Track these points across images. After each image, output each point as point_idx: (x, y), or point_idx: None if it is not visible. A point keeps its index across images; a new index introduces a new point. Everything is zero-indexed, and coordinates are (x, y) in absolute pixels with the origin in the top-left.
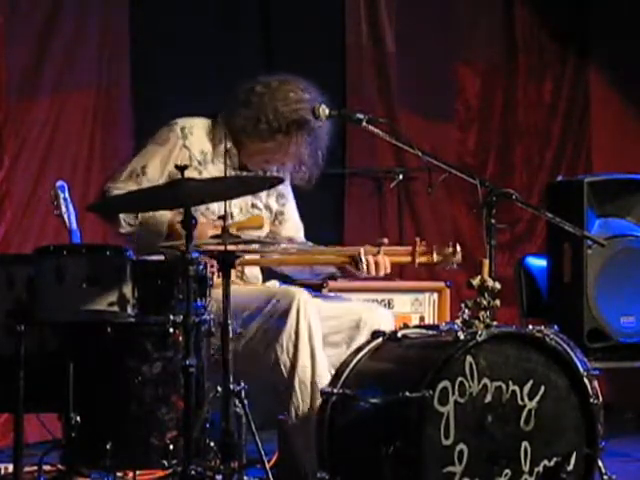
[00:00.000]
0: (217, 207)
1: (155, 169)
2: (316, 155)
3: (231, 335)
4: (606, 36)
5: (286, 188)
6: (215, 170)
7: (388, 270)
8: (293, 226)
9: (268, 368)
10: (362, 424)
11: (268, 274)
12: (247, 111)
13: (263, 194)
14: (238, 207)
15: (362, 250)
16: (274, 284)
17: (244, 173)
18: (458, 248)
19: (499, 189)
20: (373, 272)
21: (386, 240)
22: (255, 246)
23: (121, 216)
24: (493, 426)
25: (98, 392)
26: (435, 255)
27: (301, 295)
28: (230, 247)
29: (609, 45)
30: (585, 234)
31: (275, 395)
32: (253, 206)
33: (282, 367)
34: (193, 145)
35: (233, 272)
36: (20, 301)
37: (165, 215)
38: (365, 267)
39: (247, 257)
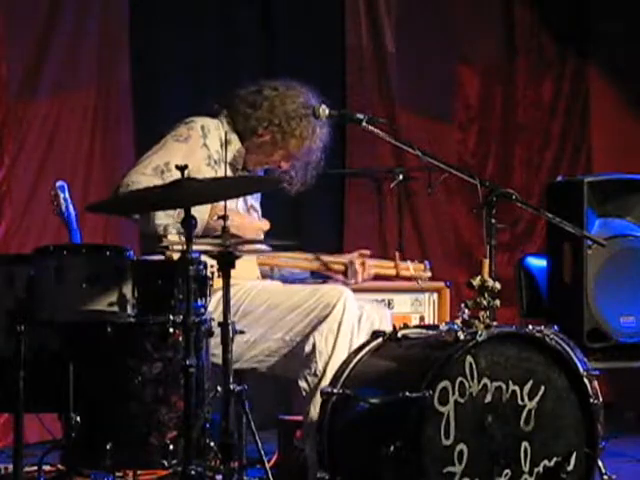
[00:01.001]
0: (235, 206)
1: None
2: (317, 160)
3: (231, 335)
4: (606, 36)
5: None
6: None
7: (372, 274)
8: None
9: (298, 361)
10: (362, 424)
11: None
12: (258, 113)
13: (253, 195)
14: (241, 207)
15: (355, 256)
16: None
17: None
18: (427, 265)
19: (499, 189)
20: (360, 278)
21: (368, 252)
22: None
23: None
24: (493, 426)
25: (98, 392)
26: (412, 269)
27: (348, 293)
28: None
29: (609, 45)
30: (585, 234)
31: (279, 392)
32: (251, 207)
33: (317, 355)
34: (211, 144)
35: (257, 270)
36: (20, 301)
37: (205, 210)
38: (357, 272)
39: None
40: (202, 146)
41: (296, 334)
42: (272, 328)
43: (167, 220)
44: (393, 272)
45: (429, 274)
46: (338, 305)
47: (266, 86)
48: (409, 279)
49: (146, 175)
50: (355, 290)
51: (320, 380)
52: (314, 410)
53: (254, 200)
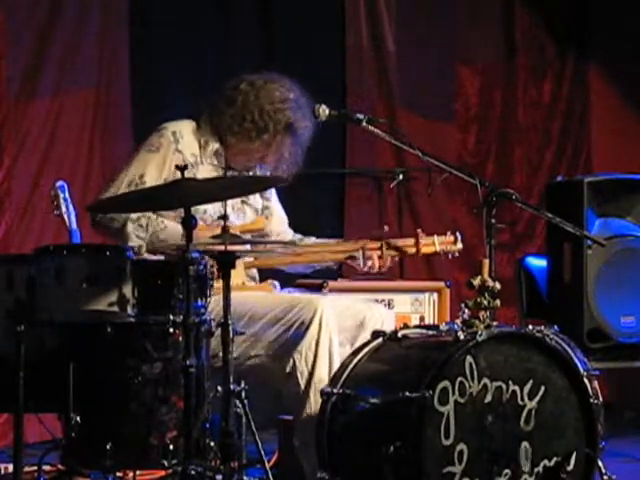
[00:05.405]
0: (213, 210)
1: (152, 177)
2: (297, 154)
3: (231, 335)
4: (606, 36)
5: None
6: (205, 172)
7: (386, 267)
8: (279, 220)
9: (281, 375)
10: (362, 424)
11: (263, 272)
12: (232, 109)
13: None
14: (231, 207)
15: (360, 248)
16: (272, 283)
17: (230, 172)
18: (459, 236)
19: (499, 189)
20: (376, 265)
21: (386, 227)
22: (248, 246)
23: (129, 230)
24: (493, 426)
25: (98, 392)
26: (437, 245)
27: (325, 306)
28: (230, 247)
29: (609, 45)
30: (585, 234)
31: (276, 399)
32: (243, 202)
33: (299, 376)
34: (185, 148)
35: (244, 275)
36: (20, 301)
37: (177, 228)
38: (362, 262)
39: (247, 259)
40: (174, 152)
41: (276, 350)
42: (253, 344)
43: (139, 242)
44: (413, 250)
45: (460, 246)
46: (314, 321)
47: (244, 80)
48: (434, 255)
49: (120, 191)
50: (356, 290)
51: (304, 403)
52: (304, 420)
53: (246, 197)
